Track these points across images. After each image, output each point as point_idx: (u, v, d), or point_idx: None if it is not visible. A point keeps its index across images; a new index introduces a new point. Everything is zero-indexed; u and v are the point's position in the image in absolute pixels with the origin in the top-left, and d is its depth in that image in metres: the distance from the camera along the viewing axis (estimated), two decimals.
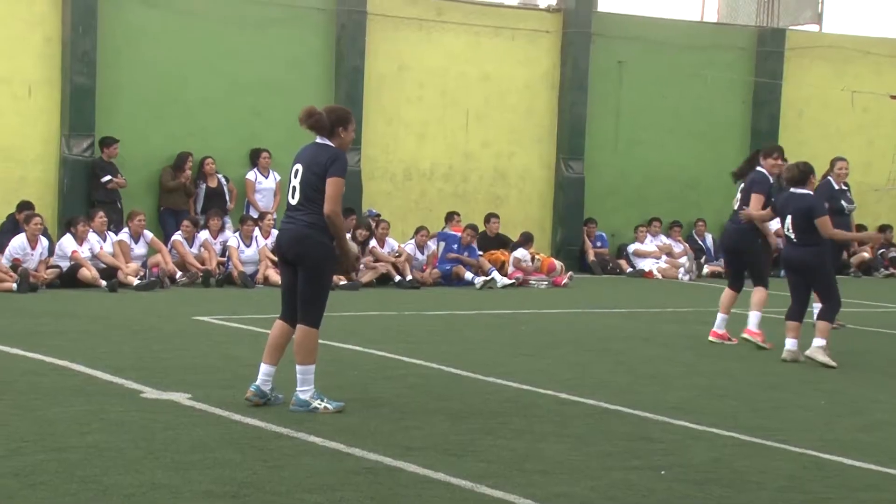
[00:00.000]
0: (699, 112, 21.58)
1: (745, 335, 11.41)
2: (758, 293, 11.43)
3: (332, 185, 7.35)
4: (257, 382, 7.62)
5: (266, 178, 17.64)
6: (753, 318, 11.43)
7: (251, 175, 17.64)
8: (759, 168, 11.43)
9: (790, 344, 10.63)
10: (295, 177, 7.52)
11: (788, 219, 10.55)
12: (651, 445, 7.08)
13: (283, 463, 6.26)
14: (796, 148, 21.99)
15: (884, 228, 21.67)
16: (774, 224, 11.74)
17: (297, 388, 7.52)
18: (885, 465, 6.80)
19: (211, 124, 17.80)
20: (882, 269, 21.57)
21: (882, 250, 21.73)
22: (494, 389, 8.73)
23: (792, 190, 10.62)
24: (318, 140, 7.55)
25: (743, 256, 11.58)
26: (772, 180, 11.43)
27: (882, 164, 21.96)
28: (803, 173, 10.54)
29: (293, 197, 7.52)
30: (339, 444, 6.66)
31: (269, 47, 18.20)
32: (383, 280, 16.47)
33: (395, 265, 16.53)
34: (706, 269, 20.19)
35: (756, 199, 11.15)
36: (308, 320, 7.46)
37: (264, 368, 7.62)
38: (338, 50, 18.57)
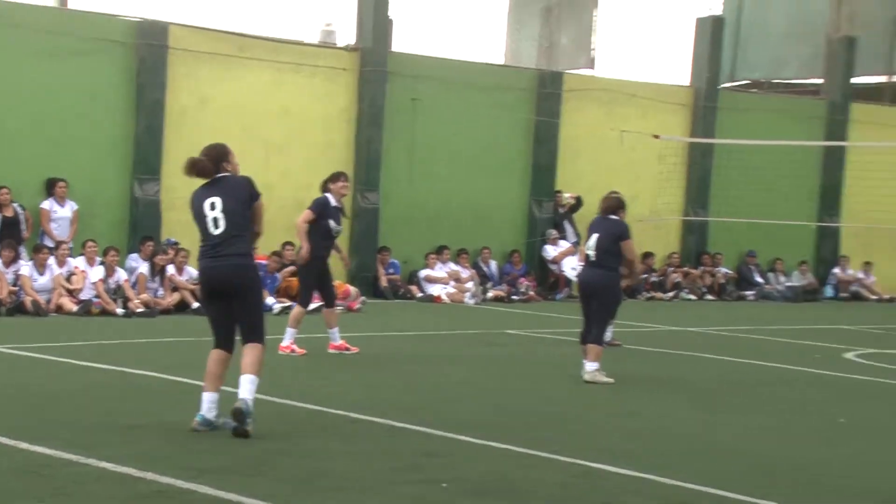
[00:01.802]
0: (487, 147, 21.98)
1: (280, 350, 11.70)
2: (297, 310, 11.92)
3: (260, 207, 7.76)
4: (202, 412, 7.55)
5: (62, 206, 17.05)
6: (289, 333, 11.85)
7: (46, 204, 17.02)
8: (325, 193, 11.97)
9: (589, 366, 10.77)
10: (212, 209, 7.56)
11: (593, 238, 10.88)
12: (435, 460, 7.14)
13: (72, 491, 6.01)
14: (574, 181, 22.73)
15: (647, 256, 22.53)
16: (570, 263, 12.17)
17: (247, 397, 7.42)
18: (647, 471, 7.02)
19: (8, 155, 17.14)
20: (644, 293, 22.41)
21: (644, 276, 22.57)
22: (287, 410, 8.65)
23: (606, 216, 11.03)
24: (218, 176, 7.62)
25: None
26: (333, 202, 11.95)
27: (647, 197, 22.80)
28: (618, 202, 11.09)
29: (216, 227, 7.55)
30: (131, 469, 6.46)
31: (69, 79, 17.65)
32: (182, 307, 16.18)
33: (192, 292, 16.23)
34: (490, 294, 20.59)
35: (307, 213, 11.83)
36: (258, 338, 7.66)
37: (208, 397, 7.60)
38: (138, 82, 18.16)
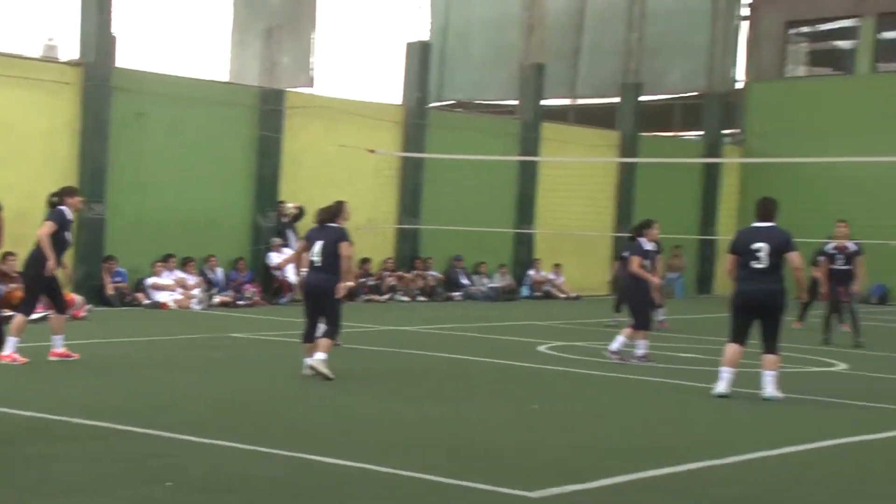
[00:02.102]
0: (212, 160, 21.56)
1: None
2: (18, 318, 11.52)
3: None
4: None
5: None
6: (55, 340, 11.56)
7: None
8: (59, 206, 11.60)
9: (309, 362, 10.87)
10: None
11: (318, 245, 10.97)
12: (160, 460, 6.90)
13: None
14: (297, 192, 22.62)
15: (364, 261, 22.73)
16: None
17: None
18: (364, 461, 7.05)
19: None
20: (362, 295, 22.60)
21: (362, 280, 22.72)
22: (9, 418, 8.15)
23: (326, 224, 11.14)
24: None
25: None
26: (69, 215, 11.62)
27: (364, 207, 22.97)
28: (335, 211, 11.24)
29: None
30: None
31: None
32: None
33: None
34: (216, 300, 20.20)
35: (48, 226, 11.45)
36: None
37: None
38: None
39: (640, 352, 13.25)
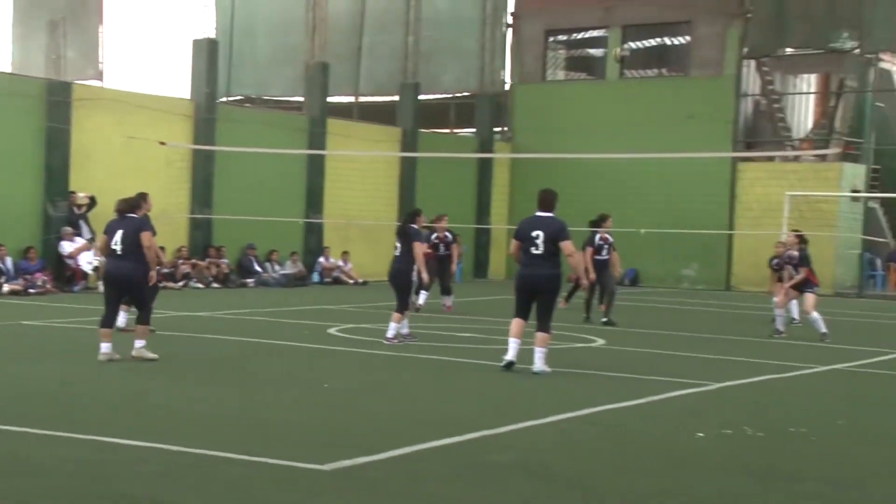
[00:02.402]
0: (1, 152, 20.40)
1: None
2: None
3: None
4: None
5: None
6: None
7: None
8: None
9: (105, 348, 10.73)
10: None
11: (118, 234, 10.85)
12: None
13: None
14: (88, 183, 21.64)
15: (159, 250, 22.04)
16: None
17: None
18: (155, 441, 6.84)
19: None
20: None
21: (158, 268, 21.94)
22: None
23: (125, 214, 11.03)
24: None
25: None
26: None
27: (157, 198, 21.55)
28: (135, 203, 11.24)
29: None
30: None
31: None
32: None
33: None
34: (6, 288, 19.12)
35: None
36: None
37: None
38: None
39: (405, 331, 13.42)
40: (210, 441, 6.94)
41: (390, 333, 13.26)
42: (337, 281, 26.21)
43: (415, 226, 13.57)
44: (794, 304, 17.52)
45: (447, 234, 19.21)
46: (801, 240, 16.04)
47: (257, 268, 24.87)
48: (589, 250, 17.44)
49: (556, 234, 10.76)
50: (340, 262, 26.74)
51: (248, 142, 23.85)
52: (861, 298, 26.70)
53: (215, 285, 23.40)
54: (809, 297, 15.34)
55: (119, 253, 10.83)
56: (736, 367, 12.08)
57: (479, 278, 30.20)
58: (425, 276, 13.70)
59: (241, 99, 33.88)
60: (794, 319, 17.55)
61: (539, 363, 10.79)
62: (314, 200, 26.67)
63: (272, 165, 25.11)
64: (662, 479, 6.39)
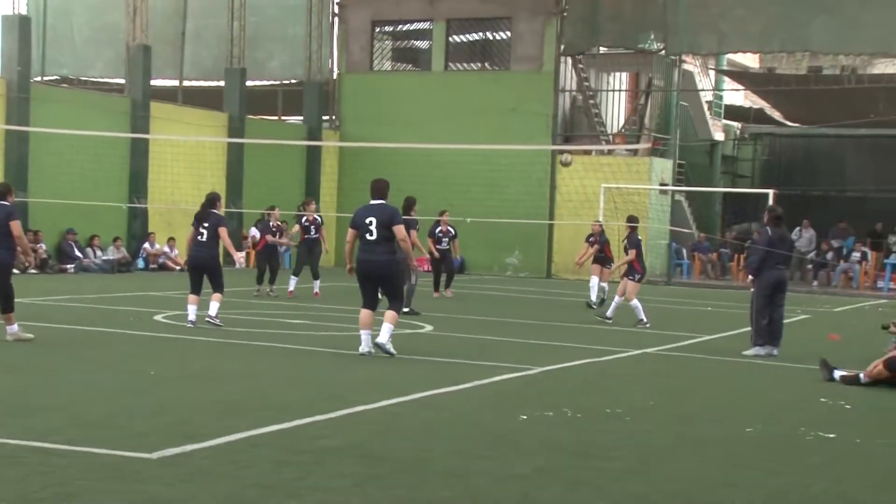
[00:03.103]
0: None
1: None
2: None
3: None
4: None
5: None
6: None
7: None
8: None
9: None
10: None
11: None
12: None
13: None
14: None
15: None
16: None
17: None
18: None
19: None
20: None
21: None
22: None
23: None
24: None
25: None
26: None
27: None
28: (6, 188, 11.11)
29: None
30: None
31: None
32: None
33: None
34: None
35: None
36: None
37: None
38: None
39: (191, 318, 13.36)
40: (28, 431, 6.62)
41: (212, 312, 13.17)
42: (163, 267, 25.50)
43: (216, 211, 13.45)
44: (598, 284, 18.64)
45: (316, 217, 19.42)
46: (633, 222, 16.67)
47: (78, 253, 23.91)
48: (430, 241, 19.55)
49: (388, 220, 10.86)
50: (166, 248, 26.02)
51: (66, 123, 22.86)
52: (669, 286, 27.93)
53: (32, 271, 22.34)
54: (631, 285, 15.85)
55: None
56: (557, 351, 12.38)
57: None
58: (238, 256, 14.25)
59: (57, 79, 32.43)
60: (593, 303, 18.45)
61: (385, 336, 10.83)
62: (138, 185, 25.84)
63: (93, 148, 24.18)
64: (487, 460, 6.51)
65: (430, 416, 7.96)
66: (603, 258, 19.12)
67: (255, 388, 8.89)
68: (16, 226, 10.68)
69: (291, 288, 18.87)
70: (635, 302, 15.80)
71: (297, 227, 19.32)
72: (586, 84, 30.82)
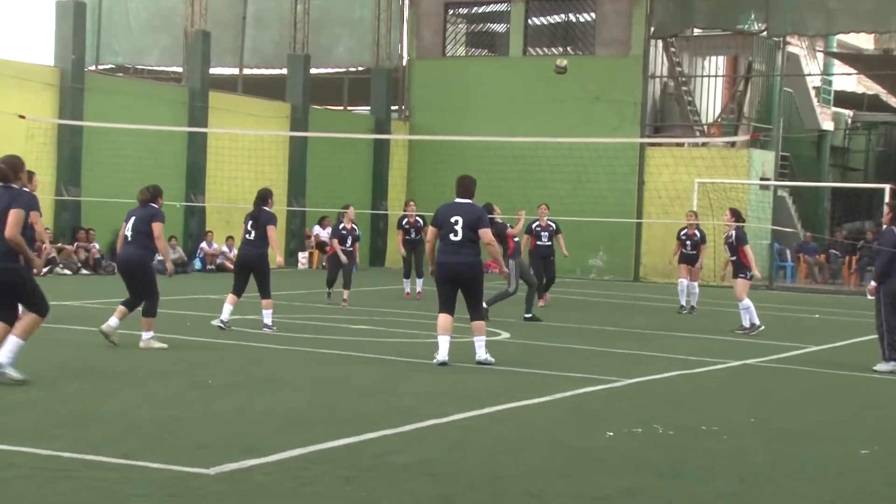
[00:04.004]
0: None
1: None
2: None
3: (15, 215, 8.66)
4: None
5: None
6: None
7: None
8: None
9: None
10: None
11: None
12: None
13: None
14: None
15: None
16: None
17: None
18: (23, 444, 6.63)
19: None
20: None
21: None
22: None
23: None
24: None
25: None
26: None
27: None
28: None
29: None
30: None
31: None
32: None
33: None
34: None
35: None
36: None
37: None
38: None
39: (225, 317, 13.56)
40: (82, 444, 6.76)
41: (267, 321, 13.36)
42: (221, 268, 25.87)
43: (267, 208, 13.60)
44: (689, 286, 18.48)
45: (418, 218, 19.79)
46: (738, 217, 16.50)
47: None
48: (530, 238, 18.77)
49: (475, 221, 10.97)
50: (224, 248, 26.39)
51: (121, 115, 23.32)
52: (771, 290, 27.50)
53: (84, 272, 22.86)
54: (741, 283, 15.73)
55: None
56: (646, 361, 12.29)
57: (375, 266, 30.14)
58: (280, 258, 14.05)
59: (112, 68, 33.11)
60: (683, 307, 18.34)
61: (481, 352, 11.05)
62: (195, 181, 26.24)
63: (148, 142, 24.61)
64: (569, 480, 6.46)
65: (506, 431, 7.93)
66: (692, 256, 18.87)
67: (318, 398, 8.96)
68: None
69: (419, 289, 19.65)
70: (747, 302, 15.65)
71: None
72: (678, 69, 30.52)
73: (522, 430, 7.96)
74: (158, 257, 12.52)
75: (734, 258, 15.93)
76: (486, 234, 11.01)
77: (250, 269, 13.65)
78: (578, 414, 8.82)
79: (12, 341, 8.88)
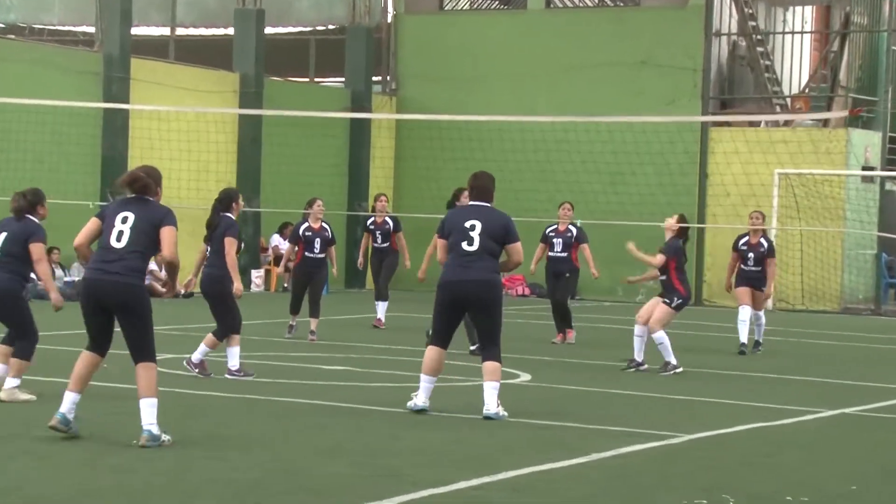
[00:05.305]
0: None
1: None
2: None
3: (171, 233, 9.67)
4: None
5: None
6: None
7: None
8: None
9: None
10: (123, 222, 9.52)
11: None
12: None
13: None
14: None
15: None
16: None
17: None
18: None
19: None
20: None
21: None
22: None
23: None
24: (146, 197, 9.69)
25: None
26: None
27: None
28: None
29: (119, 241, 9.50)
30: None
31: None
32: None
33: None
34: None
35: None
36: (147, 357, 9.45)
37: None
38: None
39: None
40: None
41: (232, 365, 13.30)
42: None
43: (229, 214, 13.50)
44: (754, 317, 17.84)
45: (387, 219, 19.98)
46: (682, 229, 16.53)
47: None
48: (542, 247, 18.57)
49: (502, 233, 11.05)
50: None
51: (13, 89, 23.30)
52: (878, 316, 27.46)
53: None
54: (663, 309, 15.49)
55: None
56: (711, 411, 12.30)
57: (352, 288, 30.08)
58: (237, 284, 13.63)
59: (2, 28, 33.20)
60: (744, 346, 17.80)
61: (492, 403, 10.97)
62: (113, 175, 26.03)
63: (49, 124, 24.61)
64: None
65: (528, 503, 7.90)
66: (755, 274, 18.18)
67: (276, 461, 8.95)
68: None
69: (380, 315, 19.85)
70: (662, 335, 15.36)
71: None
72: (752, 25, 30.56)
73: (551, 503, 7.92)
74: (69, 278, 12.53)
75: (663, 277, 15.74)
76: (516, 251, 11.11)
77: (206, 296, 13.55)
78: (624, 480, 8.80)
79: None
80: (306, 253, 17.99)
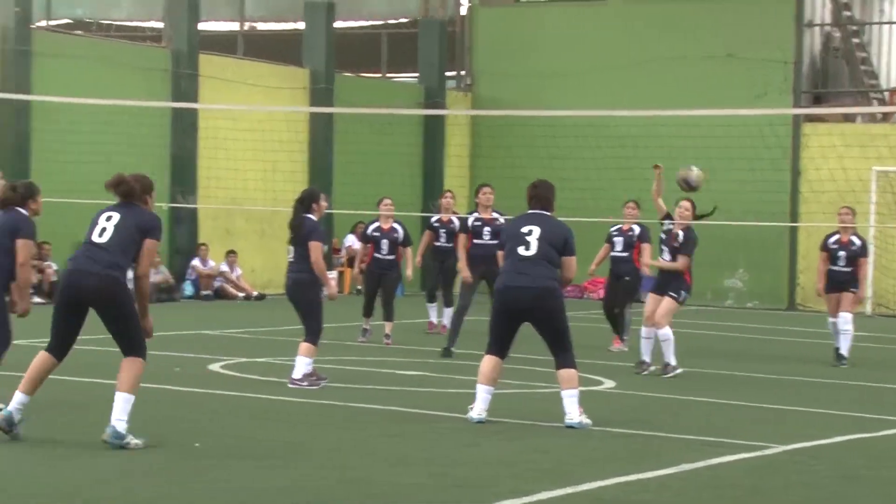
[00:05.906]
0: None
1: None
2: None
3: (152, 247, 9.66)
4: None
5: None
6: None
7: None
8: None
9: None
10: (108, 220, 9.61)
11: None
12: None
13: None
14: None
15: None
16: None
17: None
18: None
19: None
20: None
21: None
22: None
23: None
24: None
25: None
26: None
27: None
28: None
29: (101, 237, 9.58)
30: None
31: None
32: None
33: None
34: None
35: None
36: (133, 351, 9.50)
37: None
38: None
39: (299, 371, 13.20)
40: None
41: (297, 374, 13.15)
42: (220, 294, 26.04)
43: (312, 216, 13.41)
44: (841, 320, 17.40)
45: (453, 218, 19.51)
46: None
47: None
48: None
49: (561, 242, 11.06)
50: (224, 267, 26.54)
51: (80, 87, 23.51)
52: None
53: (38, 300, 23.06)
54: (668, 303, 15.25)
55: None
56: (805, 420, 12.25)
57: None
58: (331, 288, 13.63)
59: (68, 24, 33.58)
60: (843, 355, 17.32)
61: (573, 411, 10.98)
62: (182, 176, 26.43)
63: (117, 122, 24.83)
64: None
65: None
66: (846, 279, 17.32)
67: (342, 468, 9.00)
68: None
69: (434, 319, 19.84)
70: (668, 332, 15.21)
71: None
72: (848, 14, 30.25)
73: None
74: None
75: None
76: (571, 265, 11.11)
77: (291, 301, 13.48)
78: (715, 492, 8.77)
79: None
80: (375, 254, 18.09)
